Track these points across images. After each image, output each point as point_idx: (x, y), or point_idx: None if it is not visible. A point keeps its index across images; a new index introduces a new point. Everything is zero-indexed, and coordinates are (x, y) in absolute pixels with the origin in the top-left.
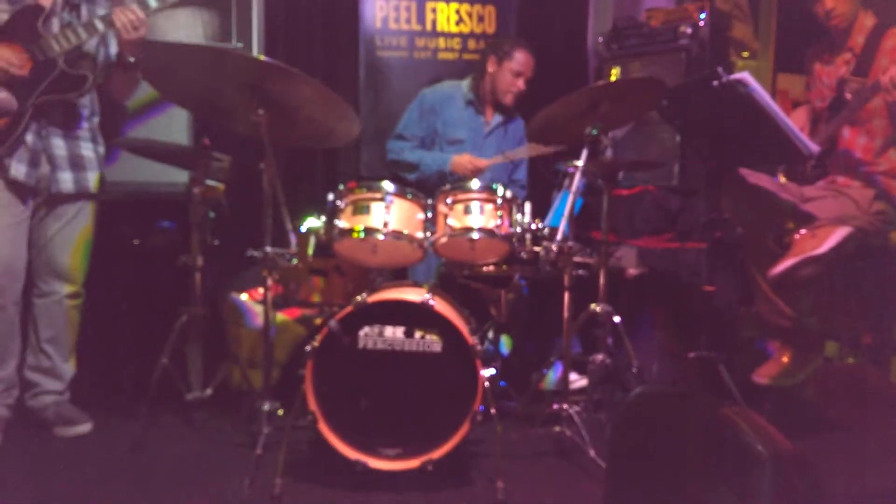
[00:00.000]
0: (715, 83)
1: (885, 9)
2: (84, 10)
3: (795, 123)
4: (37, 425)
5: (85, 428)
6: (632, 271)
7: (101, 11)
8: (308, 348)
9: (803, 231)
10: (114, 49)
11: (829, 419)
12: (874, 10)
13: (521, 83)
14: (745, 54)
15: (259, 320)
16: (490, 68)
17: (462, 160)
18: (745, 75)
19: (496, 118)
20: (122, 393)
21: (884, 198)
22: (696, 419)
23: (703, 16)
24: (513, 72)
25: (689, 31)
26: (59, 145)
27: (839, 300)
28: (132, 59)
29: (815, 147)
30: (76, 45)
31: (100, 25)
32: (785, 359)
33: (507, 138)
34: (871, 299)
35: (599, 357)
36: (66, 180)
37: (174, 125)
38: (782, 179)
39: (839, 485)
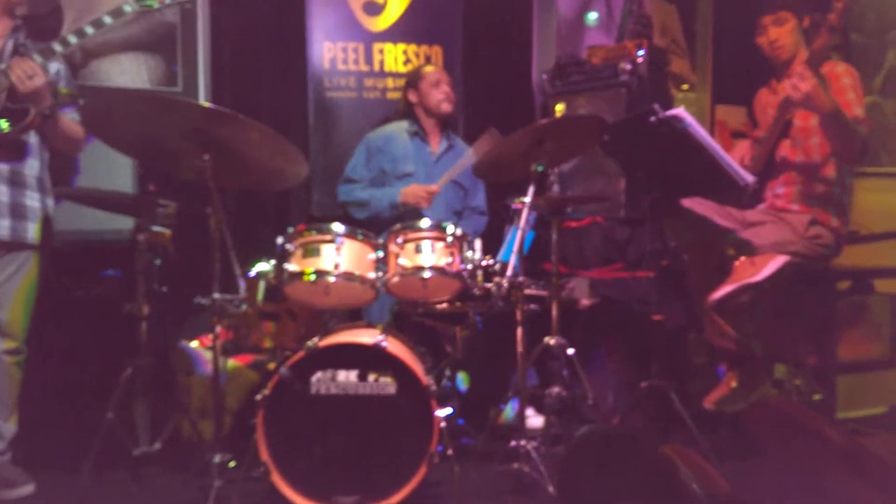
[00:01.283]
0: (652, 119)
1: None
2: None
3: (737, 155)
4: None
5: (27, 489)
6: (584, 302)
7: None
8: (259, 397)
9: (743, 259)
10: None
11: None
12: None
13: (445, 88)
14: (685, 87)
15: (209, 368)
16: (413, 98)
17: (412, 189)
18: (680, 111)
19: (442, 144)
20: (65, 451)
21: (817, 223)
22: (638, 458)
23: (641, 52)
24: (432, 84)
25: (628, 67)
26: (2, 191)
27: (783, 323)
28: (45, 112)
29: (750, 178)
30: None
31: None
32: (733, 383)
33: (455, 163)
34: (813, 322)
35: (555, 390)
36: (2, 227)
37: (118, 171)
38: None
39: None
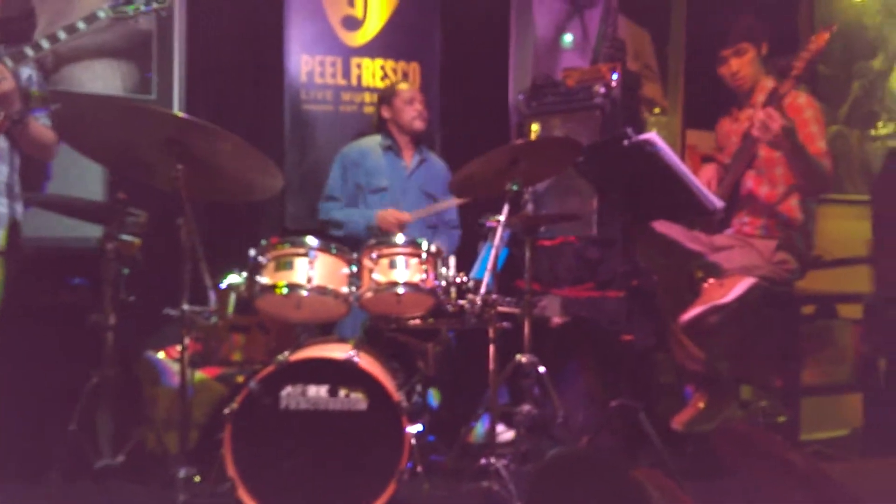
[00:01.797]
0: (625, 142)
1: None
2: None
3: (703, 177)
4: None
5: None
6: (556, 320)
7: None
8: (227, 411)
9: (711, 280)
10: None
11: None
12: (773, 76)
13: (418, 106)
14: (657, 111)
15: (176, 379)
16: (386, 114)
17: (386, 215)
18: (652, 136)
19: (414, 159)
20: (28, 462)
21: (784, 248)
22: (607, 480)
23: (615, 76)
24: (405, 101)
25: (602, 90)
26: None
27: (749, 345)
28: (14, 117)
29: (719, 203)
30: None
31: None
32: (701, 404)
33: (430, 177)
34: (779, 345)
35: (526, 408)
36: None
37: (88, 178)
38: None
39: None
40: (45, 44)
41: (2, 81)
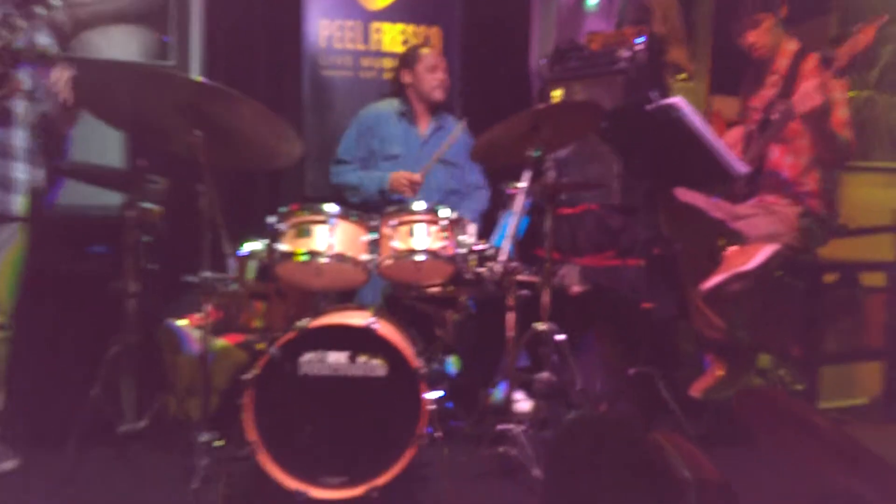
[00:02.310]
0: (649, 107)
1: (808, 34)
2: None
3: (729, 142)
4: None
5: (10, 464)
6: (575, 289)
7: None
8: (247, 377)
9: (733, 248)
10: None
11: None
12: (798, 34)
13: (440, 74)
14: (682, 76)
15: (197, 346)
16: (407, 80)
17: (398, 177)
18: (677, 100)
19: (431, 125)
20: (51, 427)
21: (809, 215)
22: (627, 444)
23: (640, 40)
24: (427, 68)
25: (626, 54)
26: None
27: (769, 314)
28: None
29: (743, 168)
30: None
31: (39, 10)
32: (719, 372)
33: (449, 146)
34: (799, 313)
35: (544, 375)
36: None
37: (108, 145)
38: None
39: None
40: (56, 1)
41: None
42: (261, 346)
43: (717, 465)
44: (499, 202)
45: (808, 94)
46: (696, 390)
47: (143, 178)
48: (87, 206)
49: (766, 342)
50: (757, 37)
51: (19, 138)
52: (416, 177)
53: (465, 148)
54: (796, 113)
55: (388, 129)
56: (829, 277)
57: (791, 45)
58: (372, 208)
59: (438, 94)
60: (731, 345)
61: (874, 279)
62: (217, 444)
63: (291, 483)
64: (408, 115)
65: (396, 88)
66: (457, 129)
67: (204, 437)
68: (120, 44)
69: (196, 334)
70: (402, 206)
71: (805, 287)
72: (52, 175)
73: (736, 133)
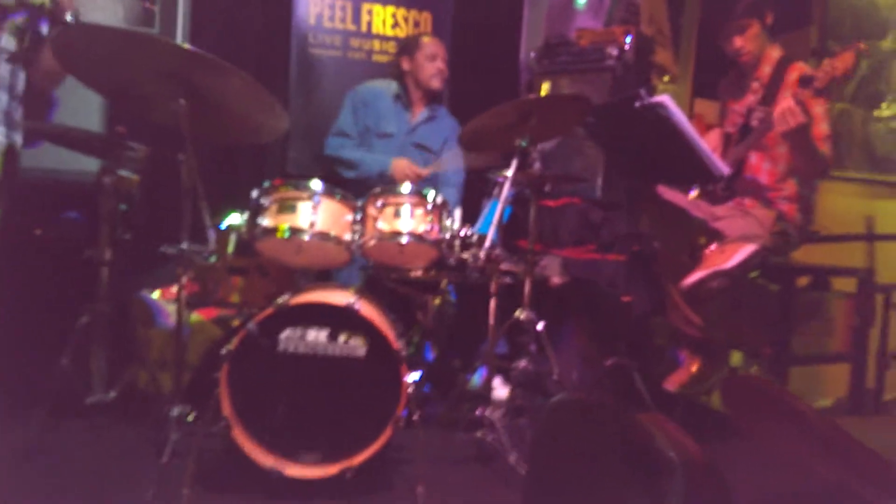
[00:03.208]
0: (637, 104)
1: (789, 44)
2: None
3: (709, 144)
4: None
5: None
6: (555, 280)
7: None
8: (224, 351)
9: (713, 246)
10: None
11: (734, 426)
12: (781, 44)
13: (439, 64)
14: (666, 78)
15: (171, 320)
16: (406, 66)
17: (402, 165)
18: (664, 98)
19: (422, 114)
20: (17, 397)
21: (784, 220)
22: (611, 427)
23: (628, 39)
24: (427, 57)
25: (615, 52)
26: None
27: (743, 313)
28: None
29: (725, 168)
30: None
31: None
32: (693, 367)
33: (433, 133)
34: (771, 313)
35: (522, 363)
36: None
37: (86, 109)
38: (694, 194)
39: (742, 491)
40: None
41: None
42: (236, 322)
43: None
44: (484, 189)
45: (787, 113)
46: (670, 384)
47: (122, 144)
48: (62, 171)
49: (738, 340)
50: (743, 42)
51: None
52: (422, 172)
53: (444, 135)
54: (776, 129)
55: (382, 107)
56: (802, 280)
57: (775, 53)
58: (362, 187)
59: (436, 83)
60: (706, 341)
61: (845, 284)
62: (189, 418)
63: (265, 459)
64: (402, 100)
65: (395, 73)
66: (447, 159)
67: (176, 410)
68: (103, 9)
69: (170, 308)
70: (389, 187)
71: (779, 289)
72: (29, 136)
73: (715, 135)
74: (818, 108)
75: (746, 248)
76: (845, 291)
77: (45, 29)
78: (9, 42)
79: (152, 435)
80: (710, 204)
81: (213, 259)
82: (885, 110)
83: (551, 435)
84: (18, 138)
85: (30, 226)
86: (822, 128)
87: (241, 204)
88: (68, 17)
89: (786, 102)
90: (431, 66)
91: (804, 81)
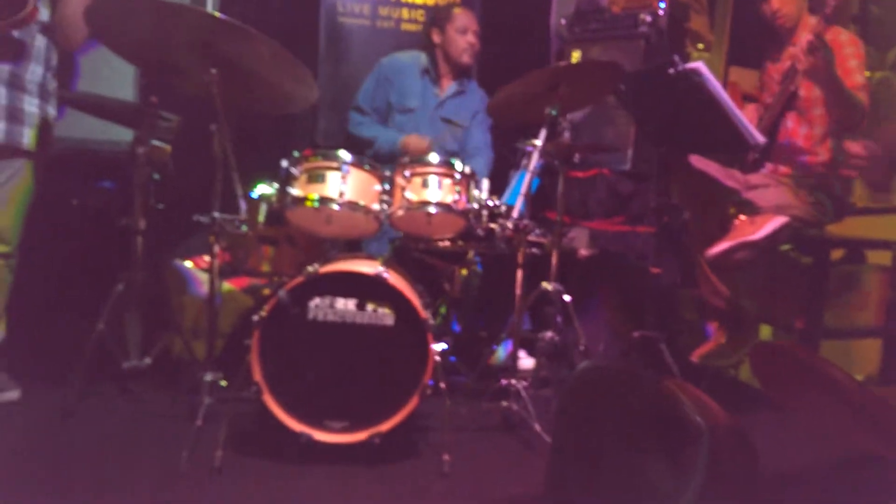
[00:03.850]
0: (671, 71)
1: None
2: None
3: (746, 116)
4: None
5: (13, 395)
6: (583, 252)
7: None
8: (255, 318)
9: (743, 217)
10: None
11: (761, 397)
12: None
13: (470, 38)
14: (701, 46)
15: (204, 289)
16: (436, 39)
17: (410, 140)
18: (699, 65)
19: (451, 88)
20: (54, 360)
21: (820, 188)
22: (638, 392)
23: (662, 5)
24: (458, 30)
25: (648, 19)
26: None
27: (774, 286)
28: None
29: (760, 137)
30: None
31: None
32: (721, 340)
33: (462, 107)
34: (804, 286)
35: (548, 335)
36: None
37: (119, 79)
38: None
39: (770, 462)
40: None
41: None
42: (267, 291)
43: None
44: (511, 160)
45: (806, 46)
46: (697, 356)
47: (155, 114)
48: (96, 141)
49: (769, 313)
50: (781, 3)
51: (34, 73)
52: (425, 144)
53: (473, 109)
54: (799, 66)
55: (407, 81)
56: (836, 253)
57: (811, 20)
58: (382, 161)
59: (466, 58)
60: (734, 314)
61: (880, 258)
62: (222, 383)
63: (295, 425)
64: (430, 74)
65: (425, 44)
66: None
67: (209, 376)
68: None
69: (202, 276)
70: (417, 158)
71: (812, 262)
72: (60, 105)
73: (751, 110)
74: (849, 48)
75: (777, 219)
76: (881, 265)
77: None
78: (44, 11)
79: (186, 399)
80: (743, 172)
81: (244, 228)
82: None
83: (577, 401)
84: (52, 110)
85: (66, 195)
86: (858, 77)
87: (271, 174)
88: None
89: (804, 38)
90: (462, 39)
91: (815, 6)
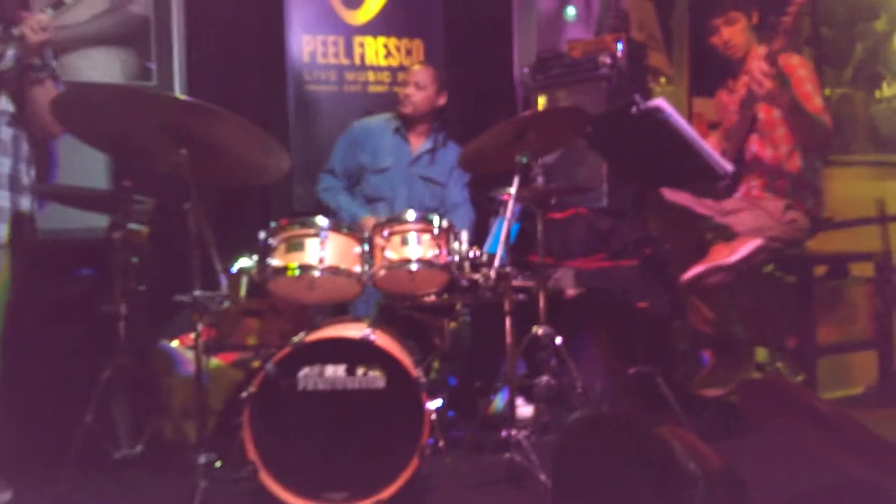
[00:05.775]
0: (633, 110)
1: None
2: None
3: (709, 145)
4: None
5: (4, 496)
6: (570, 292)
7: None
8: (244, 394)
9: (720, 242)
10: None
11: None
12: (765, 41)
13: (408, 90)
14: (663, 80)
15: (191, 367)
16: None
17: (368, 223)
18: (660, 102)
19: (424, 145)
20: (44, 455)
21: (793, 208)
22: (632, 441)
23: (620, 46)
24: (405, 82)
25: (608, 60)
26: None
27: (762, 308)
28: (37, 61)
29: (728, 166)
30: None
31: (15, 31)
32: (717, 367)
33: (437, 164)
34: (792, 305)
35: (544, 379)
36: None
37: (91, 166)
38: None
39: (772, 490)
40: (37, 23)
41: (47, 29)
42: (256, 363)
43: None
44: (490, 209)
45: (759, 72)
46: (696, 387)
47: (129, 198)
48: (72, 230)
49: (760, 336)
50: (731, 35)
51: (2, 164)
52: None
53: (449, 164)
54: (756, 91)
55: (380, 142)
56: (819, 270)
57: (761, 50)
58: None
59: (402, 108)
60: (726, 339)
61: (863, 269)
62: (216, 465)
63: (295, 501)
64: (401, 132)
65: (394, 104)
66: None
67: (202, 458)
68: (101, 66)
69: (189, 355)
70: (394, 216)
71: (796, 280)
72: (35, 198)
73: (713, 138)
74: (801, 71)
75: (752, 242)
76: (864, 277)
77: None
78: (7, 104)
79: (182, 484)
80: (716, 199)
81: (226, 304)
82: (885, 90)
83: (571, 452)
84: (26, 201)
85: (45, 286)
86: (816, 101)
87: (251, 246)
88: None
89: (757, 64)
90: (402, 91)
91: (766, 27)
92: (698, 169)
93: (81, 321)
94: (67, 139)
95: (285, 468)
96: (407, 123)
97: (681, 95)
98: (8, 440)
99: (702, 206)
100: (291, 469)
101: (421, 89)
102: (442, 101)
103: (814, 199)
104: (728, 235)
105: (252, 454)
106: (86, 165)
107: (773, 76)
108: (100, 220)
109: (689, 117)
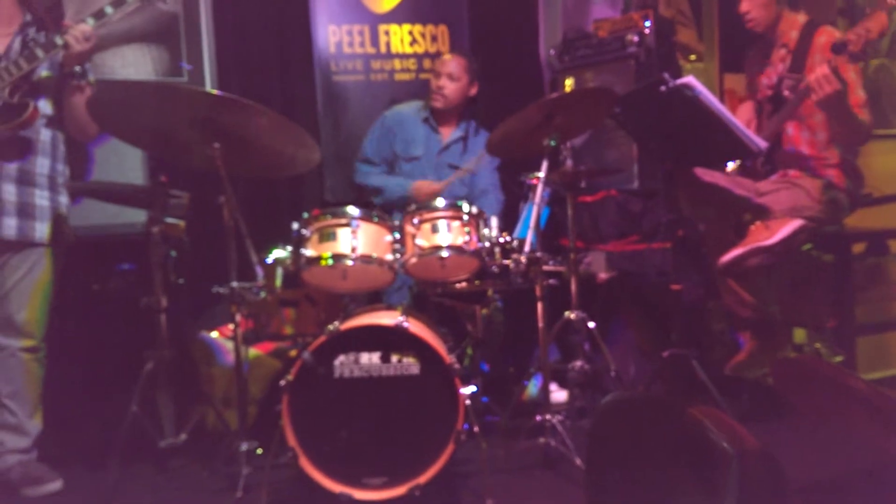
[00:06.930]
0: (662, 88)
1: (815, 6)
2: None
3: (741, 118)
4: (1, 487)
5: (55, 486)
6: (602, 275)
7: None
8: (283, 383)
9: (758, 223)
10: (55, 64)
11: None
12: (805, 9)
13: (440, 81)
14: (692, 57)
15: (231, 357)
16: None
17: (420, 185)
18: (689, 79)
19: (454, 134)
20: (91, 446)
21: (833, 187)
22: (665, 422)
23: (647, 24)
24: (435, 73)
25: (635, 39)
26: (9, 191)
27: (800, 288)
28: (78, 69)
29: (762, 143)
30: (21, 75)
31: (58, 40)
32: (754, 349)
33: (467, 153)
34: (830, 285)
35: (578, 364)
36: (9, 226)
37: (128, 163)
38: (732, 167)
39: (809, 469)
40: (109, 10)
41: (91, 38)
42: (293, 352)
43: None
44: (519, 194)
45: (823, 80)
46: (731, 368)
47: (165, 193)
48: (111, 226)
49: (799, 316)
50: (750, 7)
51: (42, 165)
52: (437, 186)
53: (478, 152)
54: (812, 97)
55: (410, 131)
56: (858, 247)
57: (800, 18)
58: (392, 209)
59: (434, 102)
60: (764, 321)
61: None
62: (258, 452)
63: (334, 486)
64: (430, 121)
65: (424, 92)
66: (473, 161)
67: (244, 446)
68: (133, 64)
69: (229, 345)
70: (424, 204)
71: (834, 258)
72: (74, 196)
73: (747, 108)
74: (852, 73)
75: (791, 223)
76: None
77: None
78: (46, 106)
79: (224, 472)
80: (753, 180)
81: (262, 294)
82: None
83: (605, 435)
84: (64, 200)
85: (86, 282)
86: (858, 94)
87: (285, 237)
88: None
89: (820, 70)
90: (434, 83)
91: (837, 48)
92: (731, 147)
93: (123, 315)
94: (103, 138)
95: (324, 454)
96: (436, 114)
97: (712, 72)
98: (56, 432)
99: (738, 186)
100: (330, 455)
101: (454, 80)
102: (474, 90)
103: (853, 179)
104: (766, 215)
105: (292, 441)
106: (123, 163)
107: (836, 86)
108: (138, 216)
109: (721, 94)
